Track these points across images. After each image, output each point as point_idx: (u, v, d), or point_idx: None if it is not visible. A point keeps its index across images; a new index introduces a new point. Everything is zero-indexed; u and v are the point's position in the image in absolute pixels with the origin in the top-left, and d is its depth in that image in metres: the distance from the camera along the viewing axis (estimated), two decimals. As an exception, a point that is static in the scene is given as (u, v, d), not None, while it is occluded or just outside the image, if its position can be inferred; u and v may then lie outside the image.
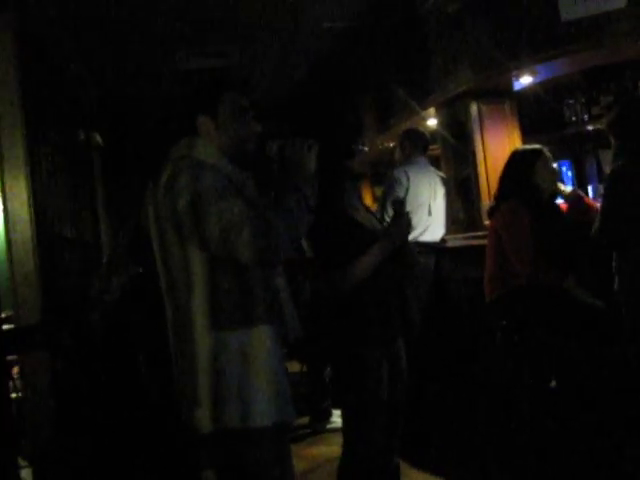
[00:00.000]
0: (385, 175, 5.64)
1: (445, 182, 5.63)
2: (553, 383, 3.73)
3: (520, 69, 4.81)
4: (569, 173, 7.01)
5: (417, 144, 5.57)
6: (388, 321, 2.92)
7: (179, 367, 2.19)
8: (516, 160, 3.93)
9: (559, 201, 4.17)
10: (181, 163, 2.15)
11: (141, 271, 2.65)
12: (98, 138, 7.05)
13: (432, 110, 6.00)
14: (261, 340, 2.13)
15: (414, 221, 5.15)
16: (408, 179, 5.32)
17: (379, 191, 7.22)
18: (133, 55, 6.62)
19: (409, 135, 5.66)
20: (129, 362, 3.08)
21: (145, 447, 3.20)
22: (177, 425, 2.20)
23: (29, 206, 3.44)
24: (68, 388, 3.38)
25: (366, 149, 3.01)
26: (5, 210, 3.43)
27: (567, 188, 4.31)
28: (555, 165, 3.93)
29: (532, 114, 6.09)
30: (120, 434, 3.27)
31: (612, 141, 3.59)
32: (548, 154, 3.86)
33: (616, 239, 3.35)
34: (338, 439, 4.92)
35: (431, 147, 6.20)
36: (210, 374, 2.09)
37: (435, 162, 6.02)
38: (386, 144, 7.14)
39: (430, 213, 5.43)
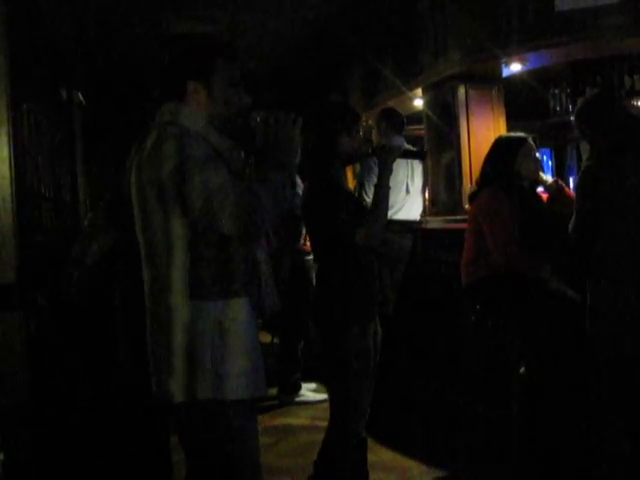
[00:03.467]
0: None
1: (423, 162, 5.66)
2: (522, 369, 3.78)
3: (510, 56, 4.81)
4: (549, 162, 7.08)
5: (394, 124, 5.59)
6: (372, 296, 3.00)
7: (153, 334, 2.18)
8: (499, 146, 3.95)
9: (540, 190, 4.20)
10: (167, 129, 2.12)
11: (122, 235, 2.62)
12: (80, 97, 6.96)
13: (419, 91, 6.00)
14: (238, 312, 2.13)
15: (391, 200, 5.21)
16: None
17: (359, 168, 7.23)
18: (119, 15, 6.51)
19: (386, 115, 5.69)
20: (105, 326, 3.07)
21: (117, 412, 3.20)
22: (149, 391, 2.20)
23: (9, 163, 3.39)
24: (42, 349, 3.36)
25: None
26: (-15, 166, 3.38)
27: (549, 178, 4.34)
28: (538, 154, 3.95)
29: (518, 101, 6.11)
30: (93, 399, 3.26)
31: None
32: (532, 143, 3.88)
33: (586, 241, 3.38)
34: (306, 412, 5.05)
35: (414, 127, 6.22)
36: (185, 343, 2.08)
37: (415, 142, 6.03)
38: (371, 122, 7.14)
39: (408, 192, 5.47)
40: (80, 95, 6.96)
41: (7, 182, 3.39)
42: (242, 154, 2.28)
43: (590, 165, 3.41)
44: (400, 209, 5.42)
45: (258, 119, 2.20)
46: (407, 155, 3.33)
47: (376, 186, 3.02)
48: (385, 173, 2.98)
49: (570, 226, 3.42)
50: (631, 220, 3.22)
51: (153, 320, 2.17)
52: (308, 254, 5.01)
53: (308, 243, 5.08)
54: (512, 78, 5.45)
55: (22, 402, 3.19)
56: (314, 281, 4.79)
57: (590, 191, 3.32)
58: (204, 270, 2.08)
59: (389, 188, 2.98)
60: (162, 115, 2.20)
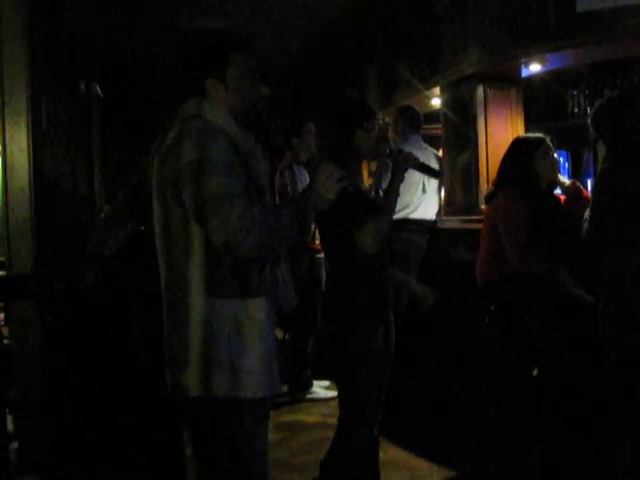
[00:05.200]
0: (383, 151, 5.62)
1: (440, 160, 5.64)
2: (535, 371, 3.76)
3: (530, 56, 4.79)
4: (566, 165, 7.03)
5: (411, 122, 5.58)
6: (384, 296, 2.99)
7: (170, 329, 2.18)
8: (517, 147, 3.92)
9: (557, 192, 4.18)
10: (190, 123, 2.12)
11: (140, 228, 2.63)
12: (98, 90, 6.99)
13: (437, 89, 5.98)
14: (255, 311, 2.12)
15: (407, 199, 5.24)
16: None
17: (373, 167, 7.23)
18: (137, 9, 6.52)
19: (403, 113, 5.67)
20: (121, 319, 3.08)
21: (131, 405, 3.21)
22: (163, 385, 2.20)
23: (28, 154, 3.41)
24: (57, 340, 3.38)
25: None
26: (4, 157, 3.40)
27: (566, 180, 4.31)
28: (556, 156, 3.92)
29: (536, 102, 6.08)
30: (107, 390, 3.28)
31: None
32: (550, 144, 3.86)
33: (602, 244, 3.36)
34: (316, 409, 5.05)
35: (431, 126, 6.20)
36: (202, 340, 2.08)
37: (432, 141, 6.02)
38: (387, 120, 7.13)
39: (424, 191, 5.45)
40: (98, 88, 6.98)
41: (25, 173, 3.42)
42: (259, 146, 2.28)
43: (606, 167, 3.39)
44: (416, 208, 5.41)
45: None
46: (423, 169, 3.25)
47: (385, 191, 3.01)
48: (396, 179, 2.97)
49: (584, 228, 3.40)
50: None
51: (170, 315, 2.17)
52: (319, 252, 5.00)
53: (318, 241, 5.09)
54: (532, 79, 5.42)
55: (36, 392, 3.21)
56: (324, 279, 4.81)
57: (606, 194, 3.30)
58: (222, 268, 2.08)
59: (398, 195, 2.96)
60: (185, 110, 2.20)
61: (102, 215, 2.59)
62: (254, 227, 1.97)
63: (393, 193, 2.95)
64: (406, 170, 2.99)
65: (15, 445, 3.35)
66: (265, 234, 2.01)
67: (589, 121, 3.66)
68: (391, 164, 5.12)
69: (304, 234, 2.19)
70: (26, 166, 3.40)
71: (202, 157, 2.03)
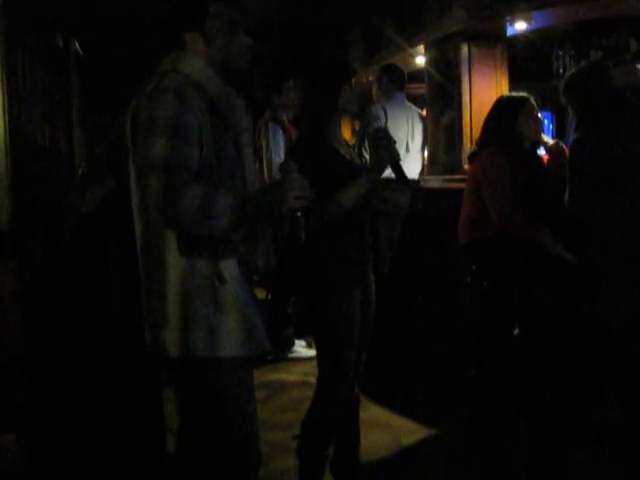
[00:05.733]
0: (365, 109, 5.58)
1: (423, 120, 5.60)
2: (516, 331, 3.78)
3: (515, 14, 4.73)
4: (550, 125, 7.02)
5: (395, 80, 5.49)
6: (361, 257, 2.95)
7: (147, 288, 2.15)
8: (501, 106, 3.90)
9: (540, 152, 4.16)
10: (166, 78, 2.06)
11: (117, 185, 2.59)
12: (77, 46, 6.84)
13: (421, 48, 5.91)
14: (231, 269, 2.09)
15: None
16: (386, 115, 5.28)
17: (358, 125, 7.17)
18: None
19: (387, 71, 5.58)
20: (99, 276, 3.05)
21: (109, 364, 3.20)
22: (141, 344, 2.18)
23: (3, 109, 3.33)
24: (35, 299, 3.34)
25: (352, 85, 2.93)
26: (-22, 112, 3.32)
27: (549, 140, 4.30)
28: (540, 115, 3.90)
29: (521, 61, 6.04)
30: (85, 350, 3.26)
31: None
32: (534, 103, 3.83)
33: (582, 211, 3.40)
34: (298, 367, 5.07)
35: (415, 86, 6.13)
36: (179, 298, 2.05)
37: (415, 100, 5.96)
38: (371, 78, 7.06)
39: (408, 150, 5.40)
40: (77, 44, 6.83)
41: (1, 131, 3.35)
42: (242, 101, 2.23)
43: (579, 138, 3.42)
44: (400, 167, 5.37)
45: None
46: (398, 175, 3.08)
47: (358, 159, 2.97)
48: (377, 169, 2.86)
49: (566, 196, 3.42)
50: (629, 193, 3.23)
51: (147, 274, 2.14)
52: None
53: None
54: (517, 37, 5.37)
55: (14, 350, 3.18)
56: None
57: (580, 163, 3.33)
58: None
59: (371, 185, 2.88)
60: (163, 65, 2.14)
61: (80, 171, 2.54)
62: (183, 203, 1.89)
63: (368, 180, 2.87)
64: (379, 175, 2.90)
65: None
66: (195, 213, 1.92)
67: (560, 88, 3.67)
68: (376, 118, 5.09)
69: (252, 236, 2.13)
70: (1, 123, 3.33)
71: (170, 116, 1.96)
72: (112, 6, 7.58)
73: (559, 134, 6.82)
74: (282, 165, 2.24)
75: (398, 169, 2.88)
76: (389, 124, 5.19)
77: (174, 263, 2.06)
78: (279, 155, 5.08)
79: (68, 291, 3.34)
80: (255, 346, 2.14)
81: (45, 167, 4.50)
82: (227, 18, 2.16)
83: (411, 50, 6.01)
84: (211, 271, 2.06)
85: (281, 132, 5.13)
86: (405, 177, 2.91)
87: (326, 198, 2.70)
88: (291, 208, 2.06)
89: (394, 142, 2.86)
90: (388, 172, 5.21)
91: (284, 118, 5.27)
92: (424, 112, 5.86)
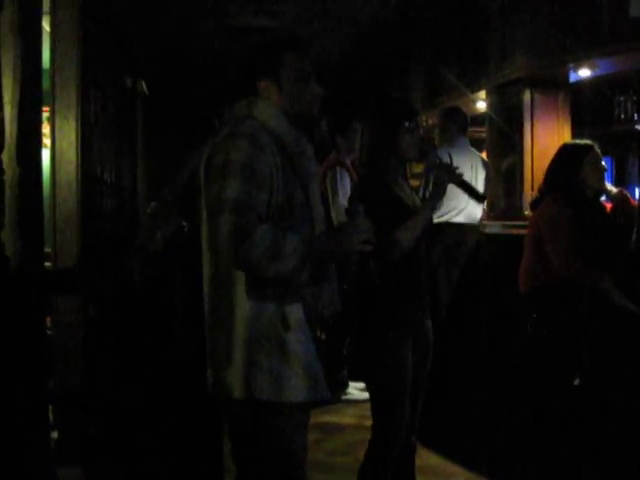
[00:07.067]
0: (427, 153, 5.58)
1: (486, 165, 5.58)
2: (577, 381, 3.70)
3: (580, 61, 4.72)
4: (611, 171, 6.93)
5: (459, 125, 5.48)
6: (417, 301, 2.93)
7: (213, 327, 2.17)
8: (565, 154, 3.86)
9: (603, 200, 4.11)
10: (242, 124, 2.11)
11: (185, 225, 2.65)
12: (144, 86, 7.05)
13: (482, 93, 5.93)
14: (298, 313, 2.11)
15: (454, 203, 5.18)
16: (451, 159, 5.27)
17: (418, 168, 7.17)
18: (185, 7, 6.57)
19: (451, 115, 5.56)
20: (164, 314, 3.10)
21: (170, 401, 3.23)
22: (204, 385, 2.20)
23: (77, 147, 3.44)
24: (99, 333, 3.41)
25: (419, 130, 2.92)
26: (52, 150, 3.44)
27: (613, 188, 4.25)
28: (603, 163, 3.86)
29: (583, 107, 6.00)
30: (147, 386, 3.30)
31: None
32: (598, 151, 3.80)
33: None
34: (351, 410, 5.03)
35: (475, 129, 6.13)
36: (245, 341, 2.07)
37: (473, 143, 5.95)
38: (431, 122, 7.08)
39: None
40: (144, 84, 7.04)
41: (73, 167, 3.45)
42: (312, 147, 2.27)
43: None
44: (461, 211, 5.34)
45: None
46: (466, 189, 3.13)
47: (422, 202, 2.97)
48: (436, 196, 2.90)
49: (633, 238, 3.34)
50: None
51: (214, 314, 2.16)
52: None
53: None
54: (579, 84, 5.35)
55: (77, 383, 3.24)
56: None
57: None
58: None
59: (434, 210, 2.90)
60: (238, 109, 2.20)
61: (148, 211, 2.61)
62: (252, 243, 1.92)
63: (428, 209, 2.89)
64: (448, 183, 2.92)
65: (55, 434, 3.38)
66: (265, 253, 1.94)
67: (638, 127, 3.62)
68: (432, 175, 5.10)
69: (318, 279, 2.14)
70: (74, 159, 3.43)
71: (244, 161, 2.01)
72: (179, 48, 7.80)
73: (619, 179, 6.74)
74: (349, 208, 2.26)
75: (465, 185, 2.89)
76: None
77: (241, 305, 2.08)
78: (346, 199, 5.10)
79: (133, 328, 3.40)
80: (317, 393, 2.14)
81: (111, 203, 4.61)
82: (300, 68, 2.21)
83: (472, 95, 6.03)
84: (277, 315, 2.08)
85: (347, 176, 5.14)
86: (474, 189, 2.93)
87: (385, 239, 2.71)
88: (357, 252, 2.07)
89: (455, 167, 2.89)
90: (448, 216, 5.21)
91: (347, 161, 5.28)
92: (484, 155, 5.85)
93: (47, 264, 3.26)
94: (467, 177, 5.29)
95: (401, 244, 2.78)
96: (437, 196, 2.90)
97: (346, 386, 5.34)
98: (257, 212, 1.99)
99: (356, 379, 5.38)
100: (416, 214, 2.84)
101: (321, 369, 2.17)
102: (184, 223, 2.59)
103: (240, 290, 2.08)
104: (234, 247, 1.94)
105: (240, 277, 2.07)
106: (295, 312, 2.11)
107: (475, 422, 4.44)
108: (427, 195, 4.96)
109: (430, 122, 6.94)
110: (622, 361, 3.53)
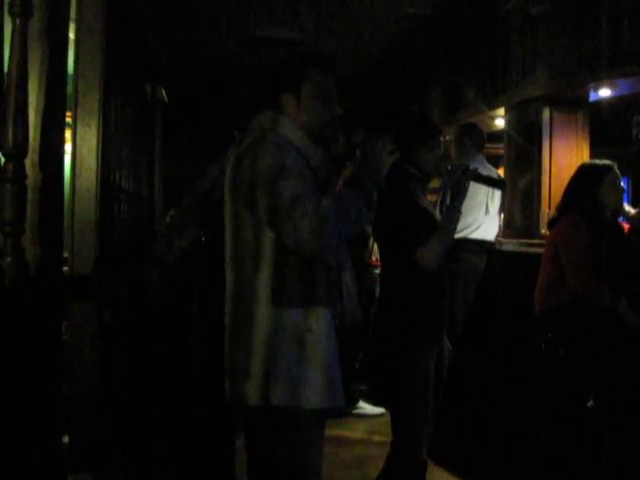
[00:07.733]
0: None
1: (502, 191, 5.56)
2: (590, 403, 3.68)
3: (600, 81, 4.71)
4: (627, 191, 6.91)
5: (475, 141, 5.48)
6: (440, 317, 2.94)
7: (232, 336, 2.19)
8: (584, 173, 3.86)
9: (620, 220, 4.09)
10: (267, 136, 2.14)
11: (202, 235, 2.66)
12: (163, 94, 7.08)
13: (501, 110, 5.92)
14: (319, 321, 2.13)
15: (470, 219, 5.17)
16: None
17: (435, 183, 7.15)
18: (206, 16, 6.61)
19: (468, 131, 5.56)
20: (182, 323, 3.11)
21: (184, 409, 3.23)
22: (220, 393, 2.21)
23: (97, 154, 3.45)
24: (114, 338, 3.42)
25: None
26: (73, 156, 3.45)
27: (631, 209, 4.23)
28: (622, 184, 3.84)
29: (601, 126, 5.99)
30: (161, 393, 3.30)
31: None
32: (617, 171, 3.79)
33: None
34: (361, 424, 5.02)
35: (492, 146, 6.12)
36: (264, 349, 2.09)
37: (491, 160, 5.94)
38: (448, 137, 7.08)
39: (487, 212, 5.36)
40: (164, 92, 7.07)
41: (93, 174, 3.46)
42: (330, 160, 2.29)
43: None
44: (477, 228, 5.32)
45: (360, 137, 2.23)
46: (486, 181, 3.20)
47: (447, 207, 2.97)
48: (459, 197, 2.93)
49: None
50: None
51: (233, 323, 2.18)
52: (375, 268, 4.98)
53: (374, 257, 5.07)
54: (599, 103, 5.34)
55: (90, 389, 3.24)
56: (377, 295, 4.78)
57: None
58: (288, 277, 2.09)
59: (460, 213, 2.92)
60: (261, 122, 2.22)
61: (167, 220, 2.62)
62: (325, 225, 2.00)
63: (455, 211, 2.91)
64: (467, 185, 2.94)
65: (66, 439, 3.39)
66: (337, 227, 2.03)
67: None
68: (448, 181, 5.10)
69: (371, 212, 2.20)
70: (94, 166, 3.44)
71: (279, 163, 2.05)
72: (199, 56, 7.84)
73: (636, 200, 6.71)
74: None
75: (483, 178, 2.93)
76: (470, 185, 5.19)
77: (262, 313, 2.10)
78: None
79: (149, 334, 3.41)
80: (334, 400, 2.15)
81: (129, 211, 4.63)
82: (321, 84, 2.23)
83: (491, 112, 6.02)
84: (298, 321, 2.10)
85: None
86: (493, 179, 2.97)
87: (421, 245, 2.73)
88: (388, 164, 2.19)
89: (467, 164, 2.92)
90: (464, 233, 5.20)
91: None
92: (501, 172, 5.84)
93: (64, 269, 3.27)
94: (483, 193, 5.31)
95: (442, 251, 2.81)
96: (460, 197, 2.91)
97: (357, 400, 5.33)
98: (317, 196, 2.06)
99: (368, 396, 5.36)
100: (446, 220, 2.87)
101: (340, 377, 2.18)
102: (201, 233, 2.61)
103: (260, 299, 2.10)
104: (313, 234, 2.00)
105: (263, 286, 2.09)
106: (318, 319, 2.13)
107: (487, 440, 4.42)
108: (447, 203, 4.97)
109: (447, 138, 6.94)
110: (637, 383, 3.51)
